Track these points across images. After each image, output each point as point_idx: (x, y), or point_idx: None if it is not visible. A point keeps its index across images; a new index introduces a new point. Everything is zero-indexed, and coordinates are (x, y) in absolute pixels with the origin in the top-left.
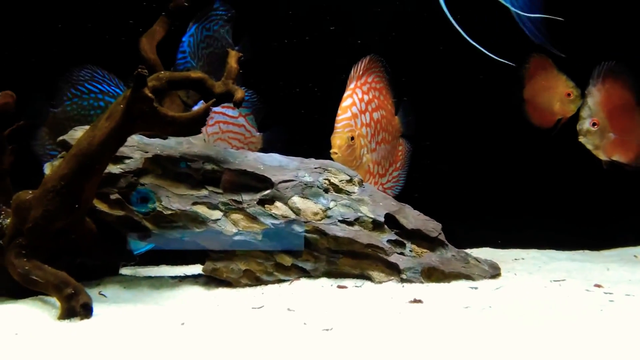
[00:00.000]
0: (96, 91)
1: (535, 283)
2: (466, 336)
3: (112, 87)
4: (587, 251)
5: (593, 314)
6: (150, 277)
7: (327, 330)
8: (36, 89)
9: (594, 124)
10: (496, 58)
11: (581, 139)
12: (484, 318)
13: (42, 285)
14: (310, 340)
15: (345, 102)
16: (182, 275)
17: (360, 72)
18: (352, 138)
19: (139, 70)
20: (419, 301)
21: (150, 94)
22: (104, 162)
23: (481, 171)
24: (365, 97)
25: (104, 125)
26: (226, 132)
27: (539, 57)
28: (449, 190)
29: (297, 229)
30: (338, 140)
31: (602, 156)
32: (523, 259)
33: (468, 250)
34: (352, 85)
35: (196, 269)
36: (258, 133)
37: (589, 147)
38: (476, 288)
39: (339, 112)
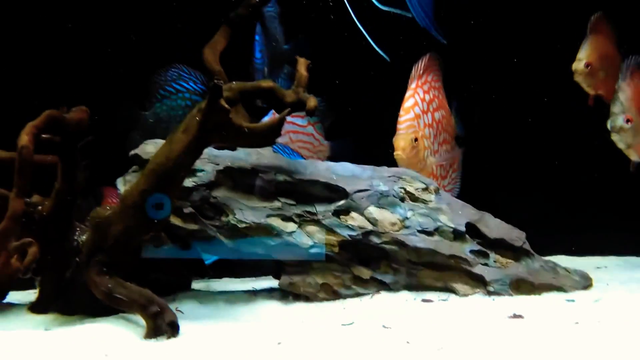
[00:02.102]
0: (183, 90)
1: (635, 294)
2: (595, 356)
3: (199, 85)
4: None
5: None
6: (224, 292)
7: (439, 349)
8: (126, 94)
9: (627, 121)
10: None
11: (614, 137)
12: (602, 335)
13: (126, 303)
14: None
15: (408, 103)
16: (252, 289)
17: (421, 71)
18: (416, 139)
19: (215, 81)
20: (520, 316)
21: (226, 106)
22: (182, 176)
23: (549, 177)
24: (427, 97)
25: (181, 138)
26: (296, 142)
27: None
28: (518, 195)
29: (375, 240)
30: (402, 141)
31: (634, 156)
32: (606, 267)
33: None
34: (413, 85)
35: (265, 282)
36: (326, 141)
37: (621, 145)
38: (573, 301)
39: (401, 112)
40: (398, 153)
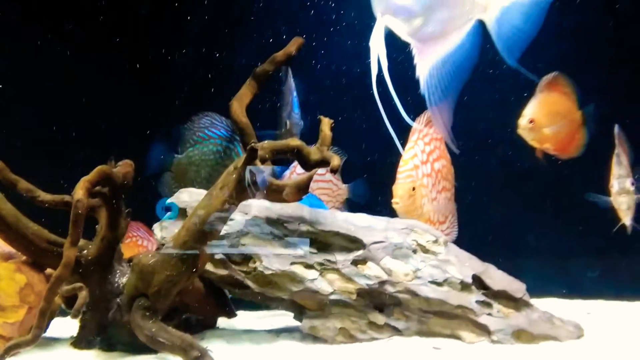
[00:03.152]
0: (215, 137)
1: (624, 341)
2: None
3: (230, 132)
4: None
5: None
6: (248, 331)
7: None
8: (161, 137)
9: (632, 184)
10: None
11: (621, 199)
12: None
13: (168, 347)
14: None
15: (407, 154)
16: (271, 328)
17: (423, 125)
18: (414, 188)
19: (252, 144)
20: None
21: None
22: (219, 228)
23: (541, 221)
24: (427, 148)
25: (219, 194)
26: (317, 190)
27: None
28: (505, 238)
29: (390, 289)
30: (400, 190)
31: (628, 218)
32: (596, 312)
33: (534, 301)
34: (414, 137)
35: (280, 318)
36: (344, 185)
37: (623, 207)
38: (570, 350)
39: (401, 163)
40: (396, 200)
